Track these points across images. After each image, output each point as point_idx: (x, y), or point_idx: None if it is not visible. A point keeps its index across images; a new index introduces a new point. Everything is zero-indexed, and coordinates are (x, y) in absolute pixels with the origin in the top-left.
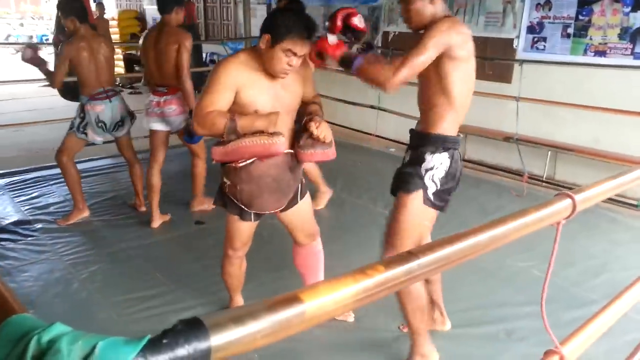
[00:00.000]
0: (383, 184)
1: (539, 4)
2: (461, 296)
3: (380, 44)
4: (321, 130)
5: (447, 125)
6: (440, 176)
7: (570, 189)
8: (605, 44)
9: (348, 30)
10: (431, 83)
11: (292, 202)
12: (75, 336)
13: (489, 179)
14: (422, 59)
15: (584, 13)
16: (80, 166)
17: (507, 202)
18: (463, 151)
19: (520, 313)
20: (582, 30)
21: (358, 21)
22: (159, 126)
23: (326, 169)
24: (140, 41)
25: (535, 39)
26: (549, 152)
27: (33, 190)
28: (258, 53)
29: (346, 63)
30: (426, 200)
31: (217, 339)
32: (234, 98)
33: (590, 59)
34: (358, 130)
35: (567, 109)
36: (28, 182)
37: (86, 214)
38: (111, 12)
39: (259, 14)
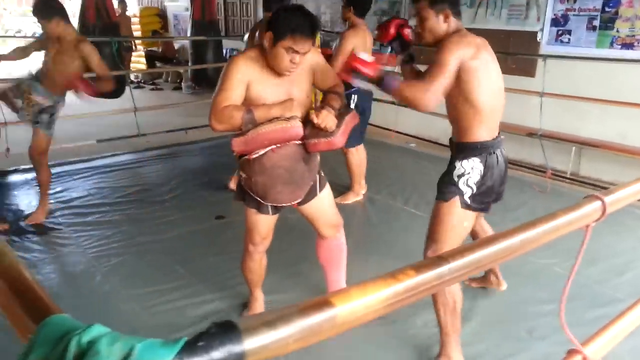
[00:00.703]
0: (403, 179)
1: None
2: (482, 293)
3: None
4: (322, 119)
5: (476, 132)
6: (475, 180)
7: (595, 185)
8: (633, 36)
9: (397, 39)
10: (453, 96)
11: (311, 194)
12: (114, 337)
13: (511, 174)
14: (443, 82)
15: (611, 5)
16: (103, 161)
17: (529, 198)
18: None
19: (542, 311)
20: (608, 23)
21: (409, 33)
22: None
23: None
24: (246, 37)
25: (560, 32)
26: (574, 148)
27: (56, 185)
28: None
29: (379, 83)
30: (463, 204)
31: (250, 343)
32: (245, 93)
33: (617, 52)
34: (378, 126)
35: (592, 103)
36: (52, 176)
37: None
38: (133, 9)
39: None
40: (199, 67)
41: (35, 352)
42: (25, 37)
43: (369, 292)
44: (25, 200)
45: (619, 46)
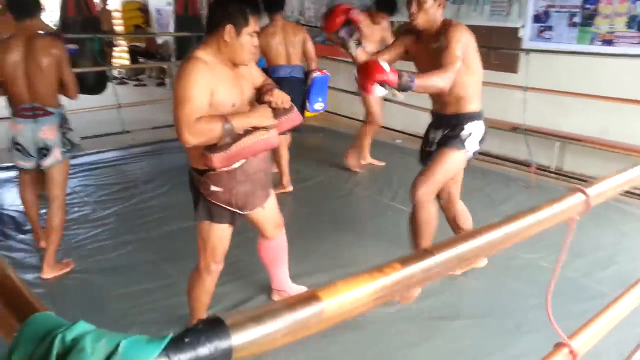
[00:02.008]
0: (389, 175)
1: None
2: (469, 288)
3: None
4: (276, 97)
5: (476, 102)
6: (479, 138)
7: (579, 179)
8: (613, 32)
9: (345, 25)
10: (459, 72)
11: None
12: (98, 334)
13: (496, 169)
14: (457, 66)
15: (591, 1)
16: (87, 159)
17: (515, 193)
18: None
19: (529, 305)
20: (588, 19)
21: (357, 17)
22: None
23: (335, 161)
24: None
25: (541, 28)
26: (557, 143)
27: None
28: (215, 47)
29: (400, 88)
30: (466, 157)
31: (237, 338)
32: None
33: (598, 48)
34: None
35: (574, 98)
36: None
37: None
38: (114, 3)
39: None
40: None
41: (19, 350)
42: None
43: (355, 286)
44: (9, 199)
45: (600, 42)
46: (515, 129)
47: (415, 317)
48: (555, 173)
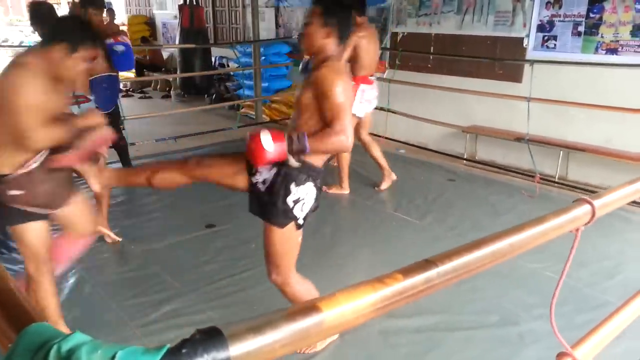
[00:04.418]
0: (393, 185)
1: (549, 2)
2: (473, 298)
3: (388, 45)
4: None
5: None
6: (310, 206)
7: (583, 189)
8: (617, 41)
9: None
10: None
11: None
12: (94, 345)
13: (500, 179)
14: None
15: (595, 10)
16: None
17: (518, 203)
18: (473, 151)
19: (533, 315)
20: (593, 28)
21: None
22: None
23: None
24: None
25: (546, 38)
26: (561, 152)
27: None
28: (46, 59)
29: (298, 153)
30: (298, 226)
31: (235, 349)
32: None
33: (602, 57)
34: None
35: (578, 108)
36: None
37: None
38: (121, 17)
39: (267, 17)
40: (187, 75)
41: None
42: (11, 46)
43: (356, 297)
44: None
45: (604, 51)
46: (519, 138)
47: (418, 328)
48: (559, 182)
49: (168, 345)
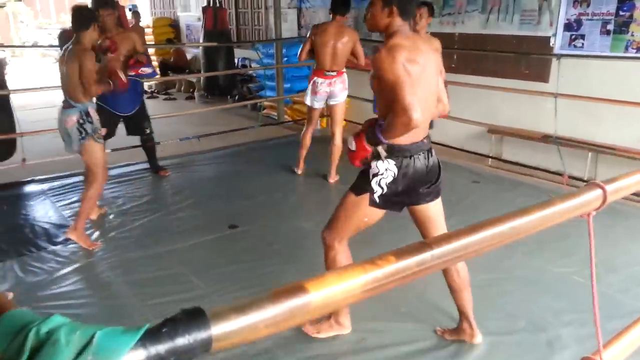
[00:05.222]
0: None
1: (576, 0)
2: (500, 303)
3: None
4: None
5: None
6: (387, 182)
7: None
8: None
9: None
10: (386, 97)
11: None
12: (73, 327)
13: (526, 180)
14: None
15: (625, 8)
16: (117, 171)
17: None
18: (499, 151)
19: (562, 321)
20: (622, 27)
21: None
22: (319, 104)
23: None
24: (309, 32)
25: (573, 37)
26: (590, 153)
27: (73, 195)
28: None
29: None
30: (372, 202)
31: (218, 328)
32: None
33: (632, 56)
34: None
35: (608, 107)
36: (68, 187)
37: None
38: (146, 19)
39: (290, 19)
40: (210, 75)
41: None
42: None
43: (346, 278)
44: (41, 211)
45: (634, 50)
46: (546, 138)
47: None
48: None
49: (148, 325)
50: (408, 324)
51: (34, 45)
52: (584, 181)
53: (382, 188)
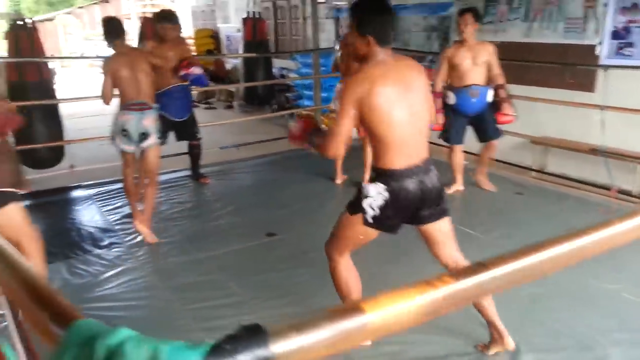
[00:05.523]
0: (456, 196)
1: (625, 7)
2: (545, 319)
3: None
4: None
5: (386, 160)
6: (378, 205)
7: None
8: None
9: None
10: (364, 128)
11: None
12: (140, 340)
13: (573, 194)
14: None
15: None
16: (160, 177)
17: (594, 220)
18: (543, 164)
19: (610, 340)
20: None
21: None
22: None
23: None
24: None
25: (621, 45)
26: (639, 166)
27: (118, 200)
28: None
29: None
30: (365, 222)
31: (278, 347)
32: None
33: None
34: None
35: None
36: (113, 192)
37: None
38: (188, 31)
39: (327, 29)
40: (250, 85)
41: (63, 356)
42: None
43: (401, 300)
44: (88, 215)
45: None
46: (594, 150)
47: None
48: (638, 197)
49: (212, 342)
50: (448, 338)
51: (82, 57)
52: (632, 195)
53: (373, 210)
